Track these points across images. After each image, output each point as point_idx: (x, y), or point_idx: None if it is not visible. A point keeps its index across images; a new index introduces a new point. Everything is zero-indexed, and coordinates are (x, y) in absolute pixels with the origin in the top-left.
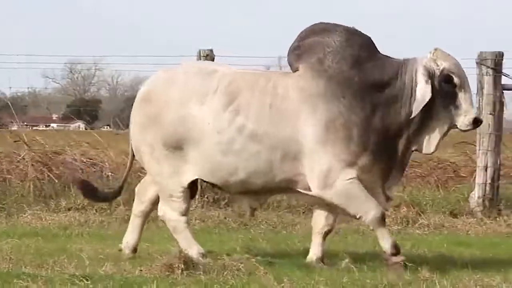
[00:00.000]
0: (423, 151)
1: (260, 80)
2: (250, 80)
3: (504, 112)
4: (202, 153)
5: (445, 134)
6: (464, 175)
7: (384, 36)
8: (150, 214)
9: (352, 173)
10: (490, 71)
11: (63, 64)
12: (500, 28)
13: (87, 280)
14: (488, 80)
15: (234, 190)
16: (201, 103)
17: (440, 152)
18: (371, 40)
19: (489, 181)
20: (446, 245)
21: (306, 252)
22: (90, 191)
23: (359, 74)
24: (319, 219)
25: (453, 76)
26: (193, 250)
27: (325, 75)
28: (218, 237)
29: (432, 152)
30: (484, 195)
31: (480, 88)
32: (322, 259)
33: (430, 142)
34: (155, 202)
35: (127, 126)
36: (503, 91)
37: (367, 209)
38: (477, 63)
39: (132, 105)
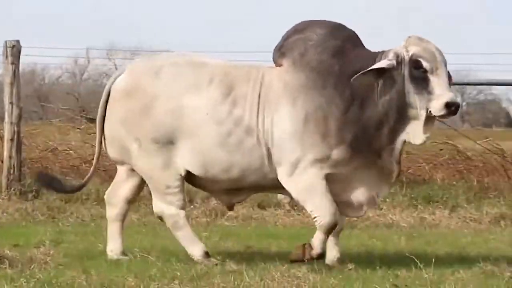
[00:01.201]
0: (412, 142)
1: (252, 72)
2: (243, 72)
3: None
4: (196, 146)
5: (428, 123)
6: None
7: None
8: (127, 214)
9: (322, 168)
10: None
11: None
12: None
13: None
14: None
15: (224, 185)
16: (195, 94)
17: None
18: (356, 34)
19: None
20: (254, 237)
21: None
22: (47, 181)
23: (339, 64)
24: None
25: (422, 61)
26: (196, 249)
27: (307, 68)
28: (25, 230)
29: (421, 143)
30: None
31: None
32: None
33: (416, 132)
34: (129, 201)
35: None
36: None
37: (325, 213)
38: None
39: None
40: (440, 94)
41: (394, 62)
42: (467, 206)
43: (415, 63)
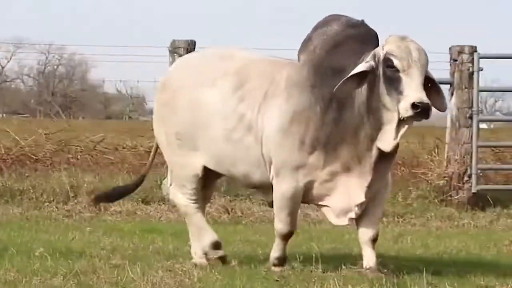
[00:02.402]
0: (380, 147)
1: (268, 68)
2: (260, 68)
3: None
4: (209, 139)
5: (400, 127)
6: (157, 163)
7: None
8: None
9: (301, 174)
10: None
11: None
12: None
13: None
14: None
15: (239, 183)
16: (211, 86)
17: (135, 138)
18: (371, 34)
19: None
20: (138, 232)
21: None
22: (107, 197)
23: (330, 63)
24: (365, 228)
25: (393, 59)
26: (204, 238)
27: (311, 63)
28: None
29: (388, 150)
30: None
31: None
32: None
33: (386, 136)
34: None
35: None
36: None
37: (282, 221)
38: (170, 51)
39: None
40: (407, 95)
41: (372, 63)
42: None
43: (387, 62)
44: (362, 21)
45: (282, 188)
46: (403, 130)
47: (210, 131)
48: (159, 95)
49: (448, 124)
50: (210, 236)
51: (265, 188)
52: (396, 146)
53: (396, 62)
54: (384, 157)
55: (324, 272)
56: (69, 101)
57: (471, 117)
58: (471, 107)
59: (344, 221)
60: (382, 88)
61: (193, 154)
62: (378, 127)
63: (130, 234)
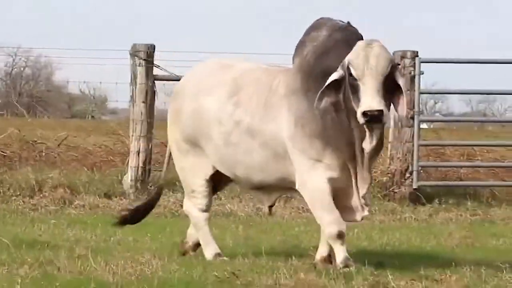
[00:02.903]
0: (364, 147)
1: (263, 76)
2: (255, 76)
3: (156, 100)
4: (212, 144)
5: (371, 131)
6: (118, 159)
7: None
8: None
9: (321, 172)
10: (143, 62)
11: None
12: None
13: None
14: (141, 71)
15: (243, 184)
16: (209, 94)
17: (97, 136)
18: (357, 37)
19: (141, 164)
20: (101, 225)
21: None
22: (129, 219)
23: (321, 67)
24: None
25: (351, 68)
26: (208, 249)
27: (304, 69)
28: None
29: (368, 150)
30: (136, 178)
31: (134, 78)
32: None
33: (365, 139)
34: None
35: None
36: (155, 81)
37: (328, 221)
38: (131, 54)
39: None
40: (361, 103)
41: (341, 71)
42: (300, 197)
43: (348, 70)
44: (348, 24)
45: (310, 188)
46: (376, 133)
47: (211, 136)
48: (171, 103)
49: (392, 124)
50: (212, 249)
51: (266, 189)
52: (378, 145)
53: (352, 71)
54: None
55: (274, 263)
56: (35, 101)
57: (412, 118)
58: (413, 108)
59: (357, 217)
60: (349, 95)
61: (200, 160)
62: (362, 129)
63: (92, 227)
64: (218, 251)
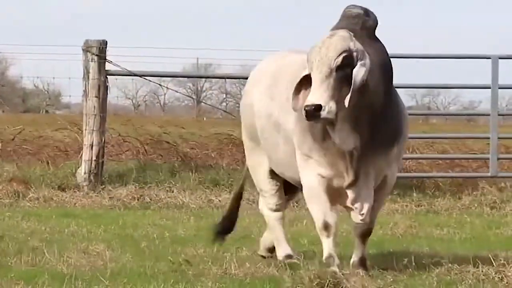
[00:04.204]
0: None
1: (300, 69)
2: (293, 68)
3: (108, 95)
4: (262, 139)
5: (330, 126)
6: (72, 152)
7: None
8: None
9: (313, 169)
10: (96, 58)
11: None
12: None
13: None
14: (93, 66)
15: (287, 179)
16: (255, 87)
17: (51, 130)
18: (365, 27)
19: (94, 158)
20: (55, 217)
21: None
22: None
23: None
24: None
25: (307, 61)
26: (280, 249)
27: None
28: None
29: (338, 145)
30: (90, 171)
31: (86, 73)
32: None
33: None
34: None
35: None
36: (107, 76)
37: (315, 213)
38: (83, 50)
39: None
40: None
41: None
42: (250, 189)
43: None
44: (363, 12)
45: (304, 183)
46: (335, 128)
47: (257, 131)
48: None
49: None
50: (283, 250)
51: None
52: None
53: (307, 65)
54: (369, 157)
55: (224, 253)
56: None
57: None
58: None
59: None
60: None
61: (259, 157)
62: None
63: (47, 219)
64: (290, 252)
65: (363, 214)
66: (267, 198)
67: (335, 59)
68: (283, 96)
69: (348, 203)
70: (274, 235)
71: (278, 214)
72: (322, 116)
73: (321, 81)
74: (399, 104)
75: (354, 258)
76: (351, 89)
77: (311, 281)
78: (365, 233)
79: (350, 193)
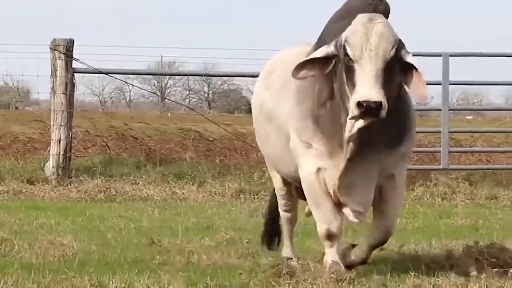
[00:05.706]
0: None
1: (295, 58)
2: (289, 57)
3: (75, 92)
4: (256, 134)
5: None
6: (40, 147)
7: None
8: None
9: (311, 161)
10: (63, 56)
11: None
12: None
13: None
14: (60, 64)
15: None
16: (257, 82)
17: (20, 126)
18: (377, 9)
19: (62, 152)
20: (24, 209)
21: None
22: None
23: (330, 37)
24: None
25: (347, 47)
26: (284, 248)
27: (318, 40)
28: None
29: (346, 139)
30: (57, 165)
31: (54, 71)
32: None
33: (347, 127)
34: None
35: None
36: (74, 73)
37: (317, 218)
38: (50, 48)
39: None
40: (356, 91)
41: (333, 48)
42: (212, 182)
43: (343, 49)
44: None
45: (302, 176)
46: (359, 124)
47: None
48: None
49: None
50: (286, 251)
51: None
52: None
53: (348, 50)
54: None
55: (188, 244)
56: None
57: None
58: None
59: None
60: (343, 77)
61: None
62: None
63: (16, 211)
64: (290, 255)
65: (356, 211)
66: (279, 199)
67: (390, 51)
68: (276, 83)
69: (342, 198)
70: (284, 232)
71: (288, 215)
72: (381, 116)
73: (377, 75)
74: (407, 100)
75: (354, 258)
76: (417, 74)
77: (267, 271)
78: (382, 241)
79: (343, 187)
